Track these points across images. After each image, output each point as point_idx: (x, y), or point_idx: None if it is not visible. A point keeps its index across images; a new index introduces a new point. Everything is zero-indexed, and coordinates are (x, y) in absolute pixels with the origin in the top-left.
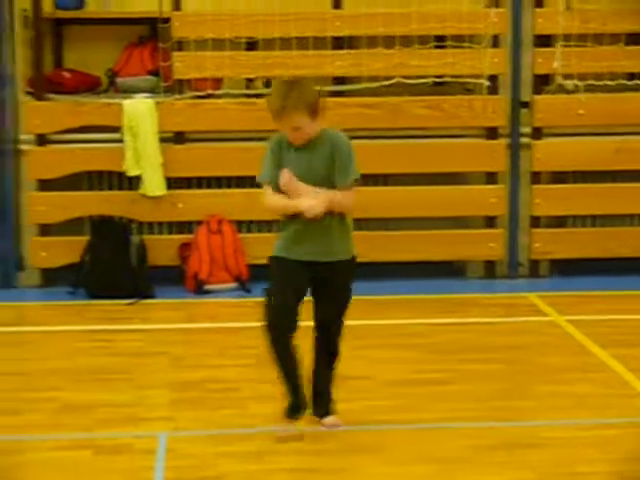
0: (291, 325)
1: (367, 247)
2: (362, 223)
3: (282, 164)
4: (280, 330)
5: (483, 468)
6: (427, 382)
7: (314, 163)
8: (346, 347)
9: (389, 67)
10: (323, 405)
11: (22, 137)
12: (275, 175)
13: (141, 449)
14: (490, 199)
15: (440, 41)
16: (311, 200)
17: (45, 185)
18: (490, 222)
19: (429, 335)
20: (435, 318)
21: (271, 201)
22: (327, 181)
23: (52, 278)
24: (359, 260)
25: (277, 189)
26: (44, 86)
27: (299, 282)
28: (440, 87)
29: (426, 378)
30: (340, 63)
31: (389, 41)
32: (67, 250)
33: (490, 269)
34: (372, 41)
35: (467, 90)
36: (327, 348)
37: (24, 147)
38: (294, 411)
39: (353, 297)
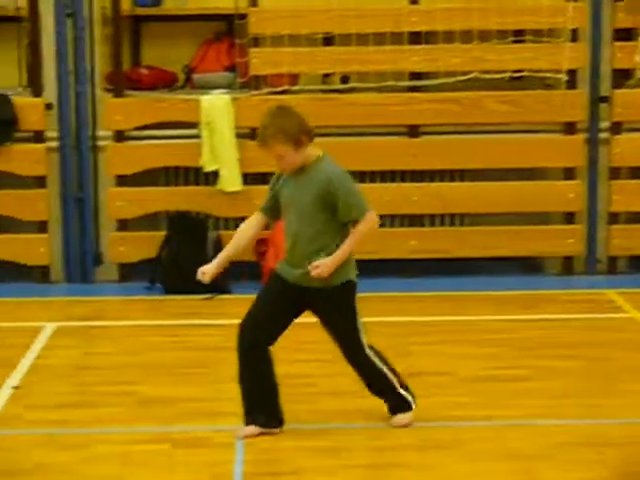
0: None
1: (446, 243)
2: (440, 219)
3: (277, 195)
4: None
5: (564, 465)
6: (506, 378)
7: (302, 191)
8: (424, 342)
9: (466, 62)
10: (388, 406)
11: (100, 133)
12: (269, 206)
13: (220, 443)
14: (568, 195)
15: (518, 35)
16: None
17: (123, 181)
18: (568, 218)
19: (508, 331)
20: (514, 314)
21: (240, 228)
22: (311, 211)
23: (129, 273)
24: (437, 256)
25: (269, 216)
26: (122, 83)
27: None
28: (518, 82)
29: (505, 374)
30: (416, 58)
31: (466, 36)
32: (144, 245)
33: (568, 265)
34: (449, 36)
35: (545, 85)
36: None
37: (102, 143)
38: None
39: (433, 293)
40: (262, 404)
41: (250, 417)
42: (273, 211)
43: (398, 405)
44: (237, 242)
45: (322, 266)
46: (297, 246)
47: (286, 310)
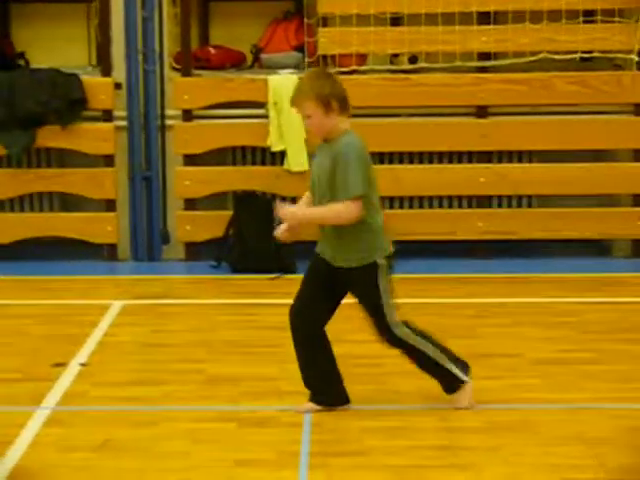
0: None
1: (514, 224)
2: (508, 200)
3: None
4: None
5: (633, 450)
6: (575, 361)
7: (323, 162)
8: (493, 324)
9: (535, 42)
10: (441, 385)
11: (168, 112)
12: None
13: (287, 422)
14: (638, 176)
15: (588, 16)
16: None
17: (190, 160)
18: (637, 200)
19: (577, 314)
20: (583, 297)
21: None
22: (326, 184)
23: (196, 252)
24: (505, 237)
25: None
26: (190, 62)
27: None
28: (588, 63)
29: (574, 357)
30: (485, 38)
31: (536, 16)
32: (211, 224)
33: (637, 248)
34: (518, 16)
35: (616, 66)
36: None
37: (170, 122)
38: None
39: (502, 275)
40: (320, 383)
41: (310, 395)
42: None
43: (449, 382)
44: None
45: (289, 213)
46: None
47: (327, 289)
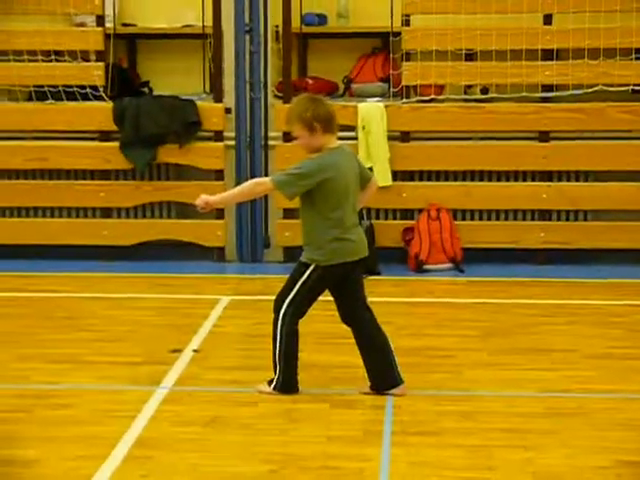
0: None
1: (571, 235)
2: (566, 214)
3: None
4: None
5: None
6: (625, 357)
7: None
8: (551, 323)
9: (593, 76)
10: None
11: (271, 134)
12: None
13: (371, 405)
14: None
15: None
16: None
17: None
18: None
19: (626, 315)
20: (632, 300)
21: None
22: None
23: (293, 255)
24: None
25: None
26: (290, 91)
27: None
28: (638, 94)
29: (624, 353)
30: (549, 73)
31: (594, 53)
32: None
33: None
34: (578, 53)
35: None
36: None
37: (272, 142)
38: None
39: (561, 279)
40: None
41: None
42: None
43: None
44: None
45: (204, 199)
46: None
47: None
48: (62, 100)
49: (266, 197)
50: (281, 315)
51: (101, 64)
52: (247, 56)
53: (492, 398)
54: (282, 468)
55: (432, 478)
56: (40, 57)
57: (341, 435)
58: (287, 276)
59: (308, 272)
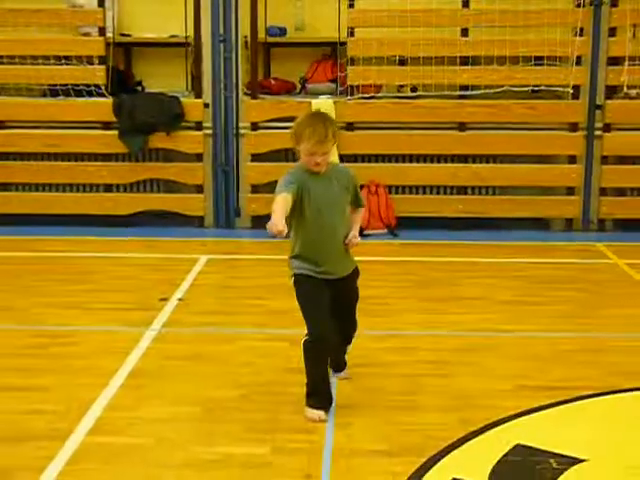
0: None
1: (482, 207)
2: (479, 189)
3: (304, 186)
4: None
5: (566, 365)
6: (527, 303)
7: (333, 187)
8: (468, 277)
9: (500, 79)
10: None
11: (241, 124)
12: (294, 189)
13: None
14: (571, 175)
15: (539, 60)
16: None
17: (256, 158)
18: (569, 190)
19: (526, 270)
20: (530, 258)
21: (285, 199)
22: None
23: (259, 223)
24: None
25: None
26: (257, 89)
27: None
28: (537, 93)
29: (526, 300)
30: (466, 75)
31: (501, 60)
32: (270, 204)
33: (569, 224)
34: (489, 60)
35: (557, 96)
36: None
37: (243, 131)
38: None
39: (476, 242)
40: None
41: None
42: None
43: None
44: (286, 208)
45: (270, 225)
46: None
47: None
48: (71, 96)
49: (237, 175)
50: (303, 338)
51: (103, 67)
52: (222, 61)
53: (419, 337)
54: (251, 393)
55: (372, 400)
56: (52, 61)
57: (297, 367)
58: (255, 240)
59: (294, 285)
